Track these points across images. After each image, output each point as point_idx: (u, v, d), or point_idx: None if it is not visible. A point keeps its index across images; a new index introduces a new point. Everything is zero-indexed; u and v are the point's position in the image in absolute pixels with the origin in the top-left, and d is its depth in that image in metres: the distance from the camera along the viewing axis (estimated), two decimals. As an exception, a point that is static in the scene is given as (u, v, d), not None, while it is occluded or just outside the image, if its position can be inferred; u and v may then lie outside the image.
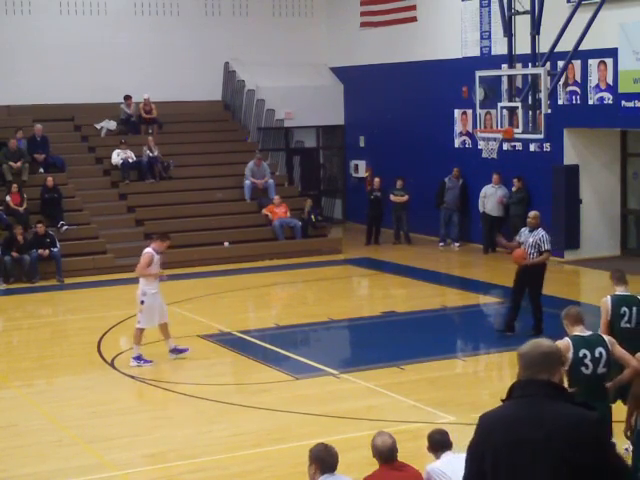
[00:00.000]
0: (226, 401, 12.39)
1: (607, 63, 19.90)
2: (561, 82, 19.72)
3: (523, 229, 15.11)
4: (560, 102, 20.72)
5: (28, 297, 19.67)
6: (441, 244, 23.95)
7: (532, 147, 21.76)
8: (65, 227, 22.02)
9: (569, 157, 21.34)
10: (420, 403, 12.05)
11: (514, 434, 4.55)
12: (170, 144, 25.09)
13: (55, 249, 20.84)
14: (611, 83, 19.88)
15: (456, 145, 24.25)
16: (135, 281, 14.71)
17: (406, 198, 24.47)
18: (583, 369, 8.50)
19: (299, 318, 17.29)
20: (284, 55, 27.66)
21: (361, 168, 27.57)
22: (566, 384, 7.99)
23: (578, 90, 20.64)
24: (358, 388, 12.86)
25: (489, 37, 22.81)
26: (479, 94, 19.01)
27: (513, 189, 22.29)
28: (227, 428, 11.43)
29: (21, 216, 21.65)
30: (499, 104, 18.66)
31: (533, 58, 18.00)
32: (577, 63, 20.15)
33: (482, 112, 19.96)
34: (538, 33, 17.96)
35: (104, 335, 15.83)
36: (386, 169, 25.87)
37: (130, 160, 24.12)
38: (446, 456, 7.37)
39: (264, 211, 23.91)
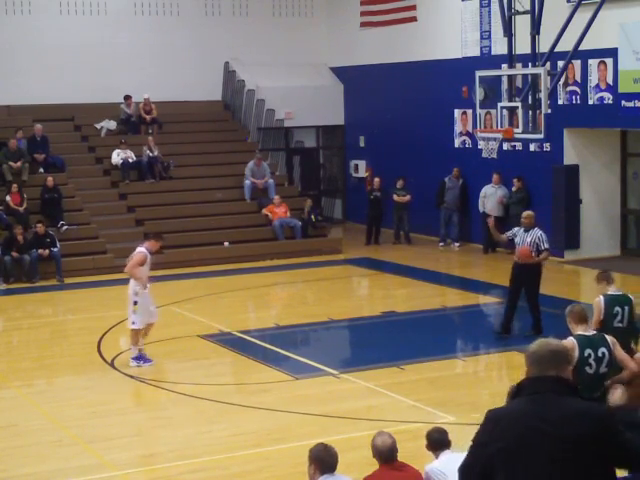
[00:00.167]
0: (226, 401, 12.39)
1: (607, 63, 19.90)
2: (561, 82, 19.72)
3: (517, 229, 15.05)
4: (560, 102, 20.72)
5: (28, 297, 19.67)
6: (441, 244, 23.95)
7: (532, 147, 21.76)
8: (65, 227, 22.03)
9: (569, 157, 21.34)
10: (420, 403, 12.05)
11: (526, 428, 4.59)
12: (170, 144, 25.10)
13: (55, 249, 20.85)
14: (611, 83, 19.89)
15: (456, 145, 24.25)
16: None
17: (408, 198, 24.48)
18: (587, 368, 8.53)
19: (299, 318, 17.29)
20: (284, 55, 27.67)
21: (361, 168, 27.58)
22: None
23: (578, 90, 20.65)
24: (358, 388, 12.86)
25: (489, 37, 22.81)
26: (479, 94, 19.01)
27: (513, 189, 22.29)
28: (227, 428, 11.42)
29: (21, 216, 21.65)
30: (499, 104, 18.67)
31: (533, 58, 18.00)
32: (577, 63, 20.15)
33: (482, 112, 19.98)
34: (538, 33, 17.96)
35: (104, 335, 15.83)
36: (386, 169, 25.88)
37: (130, 160, 24.12)
38: (445, 455, 7.37)
39: (264, 211, 23.91)
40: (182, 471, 10.12)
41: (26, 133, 23.58)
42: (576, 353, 8.47)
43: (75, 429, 11.52)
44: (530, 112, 17.96)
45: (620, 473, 5.05)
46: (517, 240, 14.82)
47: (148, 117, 25.45)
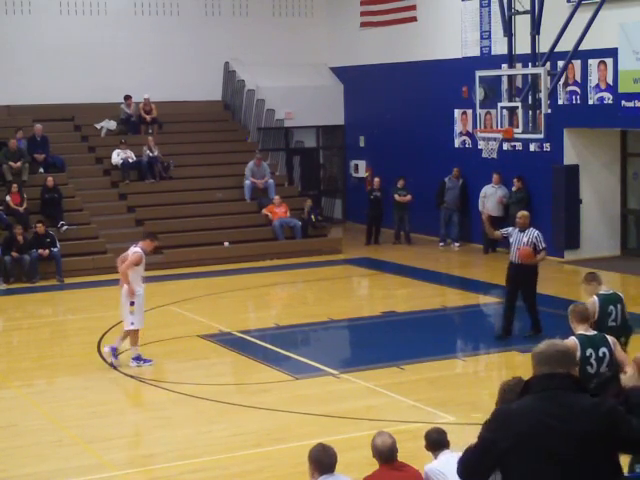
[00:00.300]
0: (226, 401, 12.39)
1: (607, 63, 19.91)
2: (561, 82, 19.72)
3: (511, 229, 15.01)
4: (560, 102, 20.72)
5: (28, 297, 19.67)
6: (441, 244, 23.95)
7: (532, 147, 21.76)
8: (65, 227, 22.03)
9: (569, 157, 21.34)
10: (420, 403, 12.05)
11: (536, 424, 4.67)
12: (170, 144, 25.10)
13: (55, 249, 20.85)
14: (611, 83, 19.89)
15: (456, 145, 24.25)
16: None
17: (409, 198, 24.48)
18: (588, 368, 8.58)
19: (299, 318, 17.29)
20: (284, 55, 27.67)
21: (361, 168, 27.58)
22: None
23: (578, 90, 20.65)
24: (358, 388, 12.86)
25: (489, 37, 22.81)
26: (479, 94, 19.01)
27: (513, 189, 22.29)
28: (227, 428, 11.42)
29: (21, 216, 21.65)
30: (499, 104, 18.66)
31: (533, 58, 18.00)
32: (577, 63, 20.15)
33: (482, 112, 19.98)
34: (538, 33, 17.96)
35: (104, 335, 15.81)
36: (386, 169, 25.88)
37: (130, 160, 24.12)
38: (444, 455, 7.37)
39: (264, 211, 23.91)
40: (182, 471, 10.12)
41: (26, 133, 23.58)
42: (578, 353, 8.51)
43: (75, 429, 11.52)
44: (530, 112, 17.96)
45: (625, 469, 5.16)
46: (512, 240, 14.73)
47: (148, 117, 25.45)
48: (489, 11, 22.58)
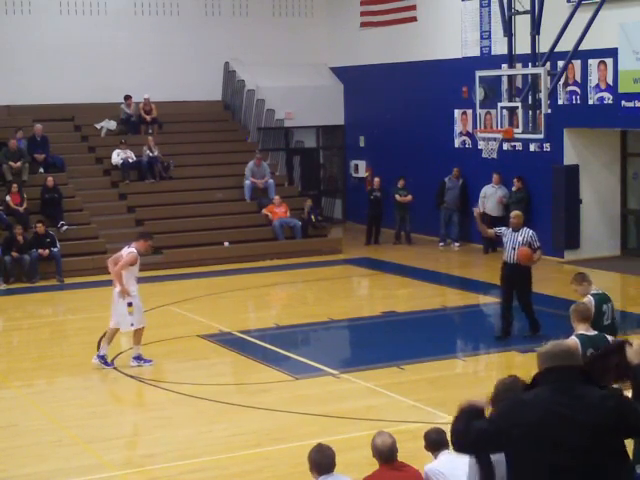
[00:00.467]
0: (226, 401, 12.39)
1: (607, 63, 19.90)
2: (561, 82, 19.72)
3: (504, 228, 14.99)
4: (560, 102, 20.72)
5: (28, 297, 19.67)
6: (441, 244, 23.96)
7: (532, 147, 21.76)
8: (65, 227, 22.03)
9: (569, 157, 21.34)
10: (420, 403, 12.05)
11: (548, 414, 4.79)
12: (170, 144, 25.09)
13: (55, 249, 20.85)
14: (611, 83, 19.88)
15: (456, 145, 24.25)
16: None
17: (410, 198, 24.47)
18: None
19: (299, 318, 17.29)
20: (284, 55, 27.66)
21: (361, 168, 27.57)
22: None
23: (578, 90, 20.64)
24: (358, 388, 12.86)
25: (489, 37, 22.81)
26: (479, 94, 19.01)
27: (513, 189, 22.29)
28: (227, 428, 11.42)
29: (21, 216, 21.65)
30: (499, 104, 18.66)
31: (533, 58, 18.00)
32: (577, 63, 20.15)
33: (482, 112, 19.99)
34: (538, 33, 17.96)
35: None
36: (386, 169, 25.88)
37: (130, 160, 24.12)
38: (443, 455, 7.37)
39: (264, 211, 23.91)
40: (182, 471, 10.12)
41: (26, 133, 23.58)
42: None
43: (75, 429, 11.52)
44: (530, 112, 17.96)
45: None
46: (505, 240, 14.69)
47: (148, 117, 25.45)
48: (489, 11, 22.58)
